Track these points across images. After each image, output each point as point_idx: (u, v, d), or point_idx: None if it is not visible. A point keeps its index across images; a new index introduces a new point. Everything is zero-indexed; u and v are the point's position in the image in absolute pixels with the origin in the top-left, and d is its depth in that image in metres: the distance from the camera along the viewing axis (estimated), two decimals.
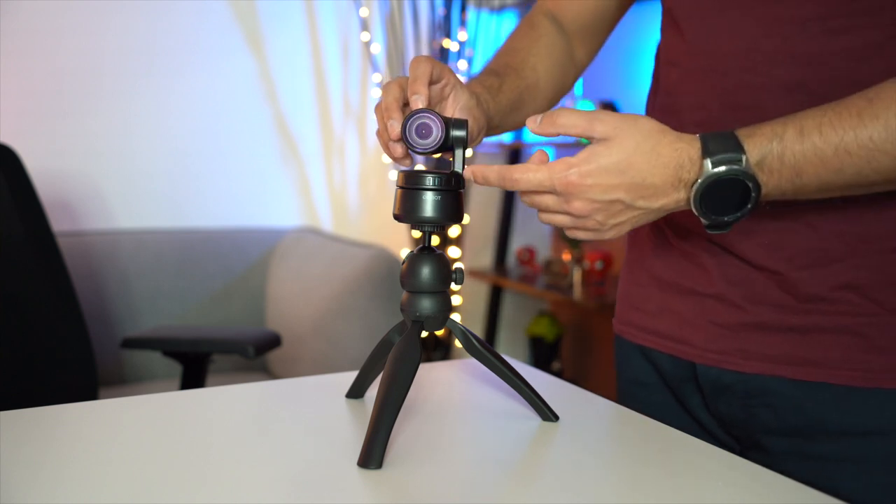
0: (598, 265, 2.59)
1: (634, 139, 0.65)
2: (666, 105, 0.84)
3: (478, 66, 2.82)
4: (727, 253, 0.80)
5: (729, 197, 0.65)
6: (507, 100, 0.87)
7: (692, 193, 0.65)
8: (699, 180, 0.64)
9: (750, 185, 0.64)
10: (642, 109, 0.96)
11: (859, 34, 0.70)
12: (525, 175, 0.67)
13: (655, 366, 0.89)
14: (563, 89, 0.97)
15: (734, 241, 0.78)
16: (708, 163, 0.64)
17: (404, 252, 1.84)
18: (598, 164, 0.65)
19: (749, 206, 0.65)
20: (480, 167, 0.71)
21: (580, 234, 0.70)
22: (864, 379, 0.73)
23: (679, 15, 0.81)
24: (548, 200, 0.68)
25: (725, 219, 0.66)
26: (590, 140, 0.67)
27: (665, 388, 0.89)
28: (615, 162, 0.65)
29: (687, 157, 0.65)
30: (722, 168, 0.64)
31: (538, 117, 0.69)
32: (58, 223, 1.91)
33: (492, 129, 0.86)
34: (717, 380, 0.81)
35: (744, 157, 0.64)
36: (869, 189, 0.66)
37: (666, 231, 0.86)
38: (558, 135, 0.68)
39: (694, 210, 0.66)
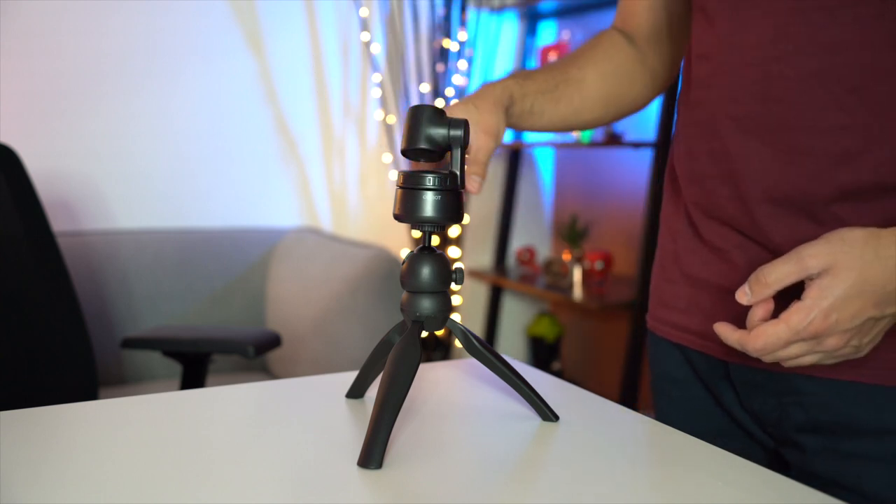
0: (598, 265, 2.59)
1: (853, 256, 0.63)
2: (698, 99, 0.84)
3: (477, 67, 2.82)
4: (760, 249, 0.80)
5: None
6: (535, 85, 0.87)
7: None
8: None
9: None
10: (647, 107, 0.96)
11: (888, 21, 0.69)
12: (768, 340, 0.65)
13: (689, 361, 0.89)
14: (624, 93, 0.96)
15: (769, 237, 0.78)
16: None
17: (404, 252, 1.84)
18: (835, 296, 0.62)
19: None
20: (727, 338, 0.68)
21: (837, 360, 0.68)
22: (894, 378, 0.73)
23: (710, 7, 0.81)
24: (794, 350, 0.65)
25: None
26: (808, 279, 0.64)
27: (699, 383, 0.89)
28: (849, 286, 0.62)
29: None
30: None
31: (745, 289, 0.66)
32: (58, 223, 1.91)
33: (522, 117, 0.86)
34: (749, 378, 0.82)
35: None
36: None
37: (698, 227, 0.86)
38: (774, 293, 0.65)
39: None
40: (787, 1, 0.74)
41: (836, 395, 0.76)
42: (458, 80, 2.72)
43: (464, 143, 0.74)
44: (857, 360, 0.74)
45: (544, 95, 0.88)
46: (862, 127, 0.71)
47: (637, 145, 2.39)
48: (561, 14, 2.92)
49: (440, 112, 0.75)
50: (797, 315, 0.63)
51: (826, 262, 0.63)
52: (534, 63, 2.95)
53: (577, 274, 2.59)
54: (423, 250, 0.74)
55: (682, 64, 0.94)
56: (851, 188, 0.72)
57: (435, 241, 0.77)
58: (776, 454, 0.85)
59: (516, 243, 3.05)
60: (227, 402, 0.85)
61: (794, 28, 0.73)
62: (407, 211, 0.71)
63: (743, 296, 0.66)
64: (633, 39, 0.97)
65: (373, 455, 0.65)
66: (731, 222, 0.81)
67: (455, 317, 2.52)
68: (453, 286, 0.75)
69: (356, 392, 0.84)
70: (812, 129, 0.73)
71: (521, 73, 0.88)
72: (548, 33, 3.00)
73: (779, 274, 0.64)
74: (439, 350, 2.77)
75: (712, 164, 0.81)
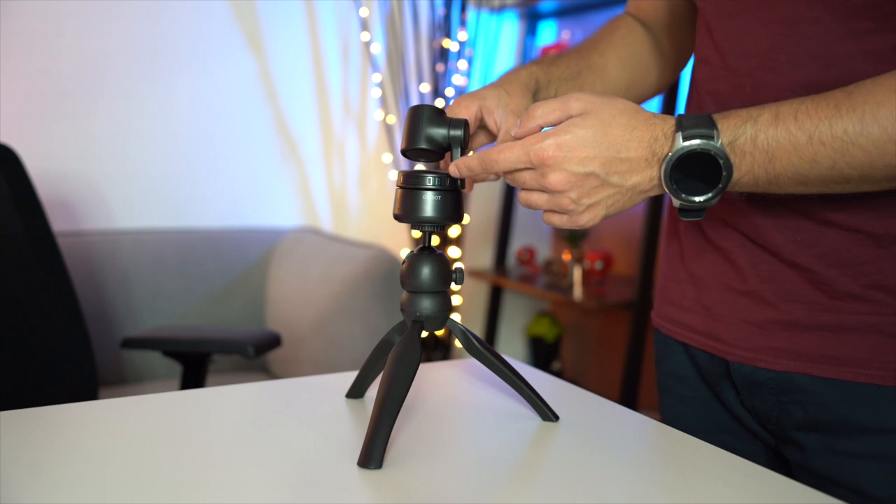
0: (598, 265, 2.59)
1: (610, 112, 0.66)
2: (700, 103, 0.85)
3: (477, 67, 2.82)
4: (761, 249, 0.80)
5: (699, 175, 0.65)
6: (559, 71, 0.88)
7: (663, 168, 0.66)
8: (670, 154, 0.65)
9: (721, 162, 0.64)
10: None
11: (884, 37, 0.69)
12: (502, 154, 0.68)
13: (693, 359, 0.89)
14: (642, 79, 0.97)
15: (768, 238, 0.78)
16: (680, 136, 0.65)
17: (404, 252, 1.84)
18: (574, 134, 0.66)
19: (720, 185, 0.65)
20: (462, 159, 0.72)
21: (555, 219, 0.70)
22: (893, 378, 0.73)
23: (708, 14, 0.82)
24: (525, 176, 0.69)
25: (696, 199, 0.66)
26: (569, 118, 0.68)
27: (702, 382, 0.89)
28: (591, 133, 0.66)
29: (661, 131, 0.66)
30: (694, 142, 0.64)
31: (517, 121, 0.71)
32: (58, 223, 1.91)
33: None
34: (750, 377, 0.82)
35: (715, 133, 0.64)
36: (845, 185, 0.66)
37: (702, 226, 0.87)
38: (540, 128, 0.69)
39: (665, 188, 0.66)
40: (781, 12, 0.74)
41: (835, 394, 0.76)
42: (458, 80, 2.72)
43: (464, 143, 0.74)
44: (856, 360, 0.75)
45: (567, 82, 0.89)
46: None
47: None
48: (561, 14, 2.92)
49: (440, 112, 0.75)
50: (535, 137, 0.67)
51: (586, 107, 0.67)
52: None
53: (577, 274, 2.59)
54: (423, 250, 0.74)
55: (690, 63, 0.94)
56: (845, 192, 0.72)
57: (435, 241, 0.77)
58: (777, 452, 0.85)
59: (516, 243, 3.05)
60: (227, 402, 0.85)
61: (788, 39, 0.73)
62: (407, 211, 0.71)
63: (513, 128, 0.71)
64: (648, 26, 0.97)
65: (373, 455, 0.65)
66: (733, 223, 0.82)
67: (455, 317, 2.52)
68: (453, 286, 0.75)
69: (356, 392, 0.84)
70: None
71: (545, 59, 0.89)
72: (548, 33, 3.00)
73: (544, 109, 0.69)
74: (439, 350, 2.77)
75: None
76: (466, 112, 0.80)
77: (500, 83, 0.83)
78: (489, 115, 0.80)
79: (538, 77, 0.86)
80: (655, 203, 2.30)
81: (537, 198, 0.70)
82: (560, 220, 0.70)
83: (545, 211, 0.71)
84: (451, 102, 0.83)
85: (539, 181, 0.68)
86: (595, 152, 0.66)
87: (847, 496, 0.74)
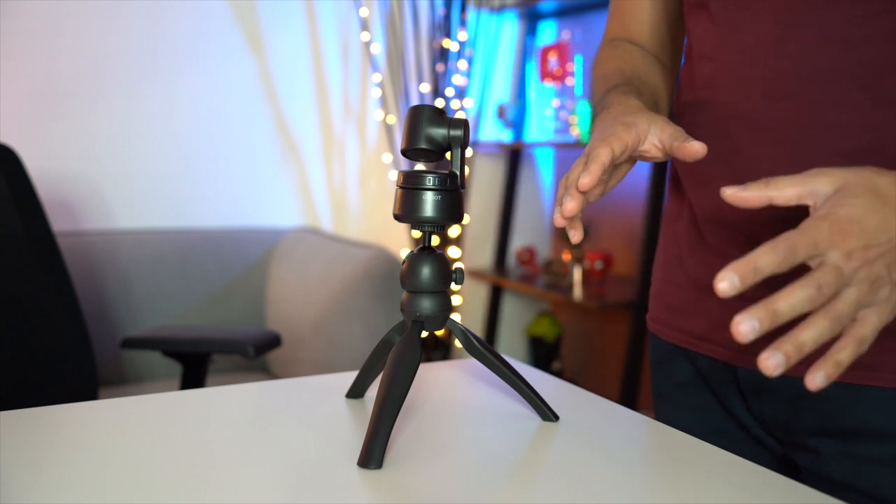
0: (598, 265, 2.59)
1: (863, 178, 0.57)
2: (703, 100, 0.82)
3: (477, 67, 2.82)
4: None
5: None
6: (643, 99, 0.83)
7: None
8: None
9: None
10: None
11: None
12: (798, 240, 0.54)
13: (694, 365, 0.88)
14: (671, 92, 0.93)
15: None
16: None
17: (404, 252, 1.84)
18: (853, 204, 0.54)
19: None
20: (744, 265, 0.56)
21: (875, 320, 0.57)
22: None
23: (712, 7, 0.80)
24: (797, 296, 0.55)
25: None
26: (813, 204, 0.57)
27: (704, 387, 0.88)
28: (867, 200, 0.55)
29: None
30: None
31: (746, 191, 0.58)
32: (58, 223, 1.91)
33: None
34: (759, 382, 0.80)
35: None
36: None
37: (703, 231, 0.85)
38: (770, 202, 0.58)
39: None
40: None
41: (852, 399, 0.75)
42: (458, 80, 2.72)
43: (464, 143, 0.74)
44: (870, 364, 0.71)
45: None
46: (873, 125, 0.70)
47: None
48: (561, 14, 2.92)
49: (440, 112, 0.75)
50: (804, 230, 0.53)
51: (838, 182, 0.56)
52: (534, 63, 2.95)
53: (577, 274, 2.59)
54: (423, 250, 0.74)
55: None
56: None
57: (435, 241, 0.77)
58: (784, 458, 0.84)
59: (516, 243, 3.05)
60: (227, 402, 0.85)
61: (799, 26, 0.72)
62: (407, 211, 0.71)
63: (742, 194, 0.58)
64: (643, 47, 0.95)
65: (373, 455, 0.65)
66: (738, 225, 0.80)
67: (455, 317, 2.52)
68: (453, 286, 0.75)
69: (356, 392, 0.84)
70: (821, 126, 0.71)
71: (627, 89, 0.82)
72: (548, 33, 3.00)
73: (787, 193, 0.57)
74: (439, 350, 2.77)
75: (720, 165, 0.80)
76: (621, 141, 0.70)
77: (636, 113, 0.75)
78: (644, 139, 0.72)
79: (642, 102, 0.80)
80: (656, 202, 2.31)
81: (826, 324, 0.56)
82: (880, 318, 0.57)
83: (858, 320, 0.57)
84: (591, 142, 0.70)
85: (840, 274, 0.55)
86: (885, 216, 0.55)
87: (865, 502, 0.73)
